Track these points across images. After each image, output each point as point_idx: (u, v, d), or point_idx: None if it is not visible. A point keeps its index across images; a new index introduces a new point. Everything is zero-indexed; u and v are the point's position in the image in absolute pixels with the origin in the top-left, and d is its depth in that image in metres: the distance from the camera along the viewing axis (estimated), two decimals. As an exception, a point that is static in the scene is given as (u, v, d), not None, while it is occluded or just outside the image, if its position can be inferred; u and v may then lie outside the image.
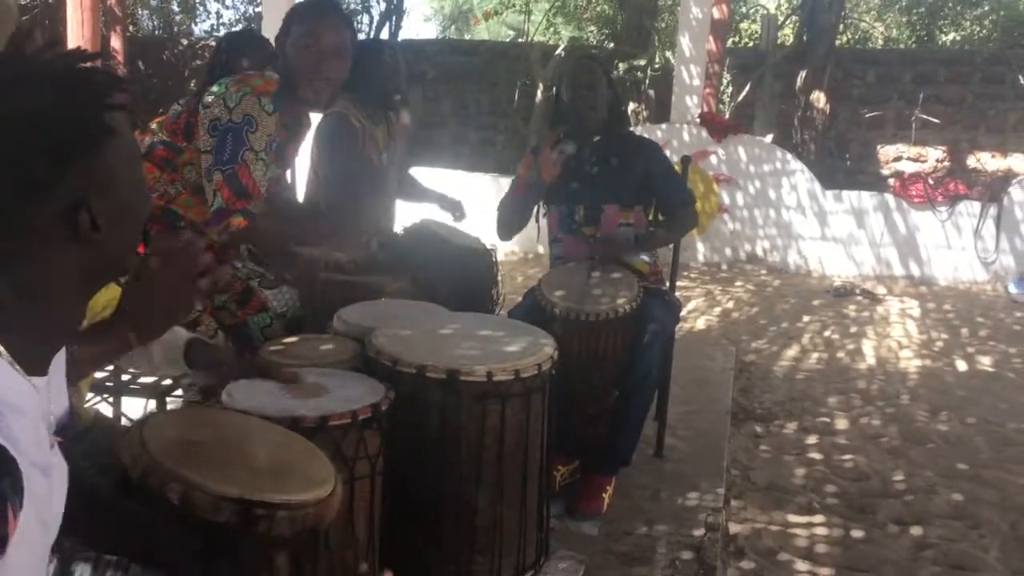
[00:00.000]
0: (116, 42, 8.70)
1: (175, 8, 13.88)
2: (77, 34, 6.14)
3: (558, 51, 10.67)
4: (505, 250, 3.49)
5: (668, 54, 10.27)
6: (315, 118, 3.49)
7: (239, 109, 2.30)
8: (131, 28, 10.32)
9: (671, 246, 3.43)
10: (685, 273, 7.09)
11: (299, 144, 2.76)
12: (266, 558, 1.49)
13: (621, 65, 10.23)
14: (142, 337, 1.49)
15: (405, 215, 3.70)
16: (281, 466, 1.56)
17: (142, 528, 1.35)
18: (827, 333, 5.66)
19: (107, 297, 1.92)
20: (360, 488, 1.89)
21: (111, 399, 2.38)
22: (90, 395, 2.29)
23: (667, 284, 3.33)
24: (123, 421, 2.34)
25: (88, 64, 1.02)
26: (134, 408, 2.41)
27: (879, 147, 10.79)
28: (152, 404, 2.35)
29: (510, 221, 3.28)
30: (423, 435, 2.10)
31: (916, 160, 10.56)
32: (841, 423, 4.03)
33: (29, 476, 0.92)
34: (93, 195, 0.99)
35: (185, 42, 11.80)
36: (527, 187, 3.21)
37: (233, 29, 13.44)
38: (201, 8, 14.29)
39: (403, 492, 2.05)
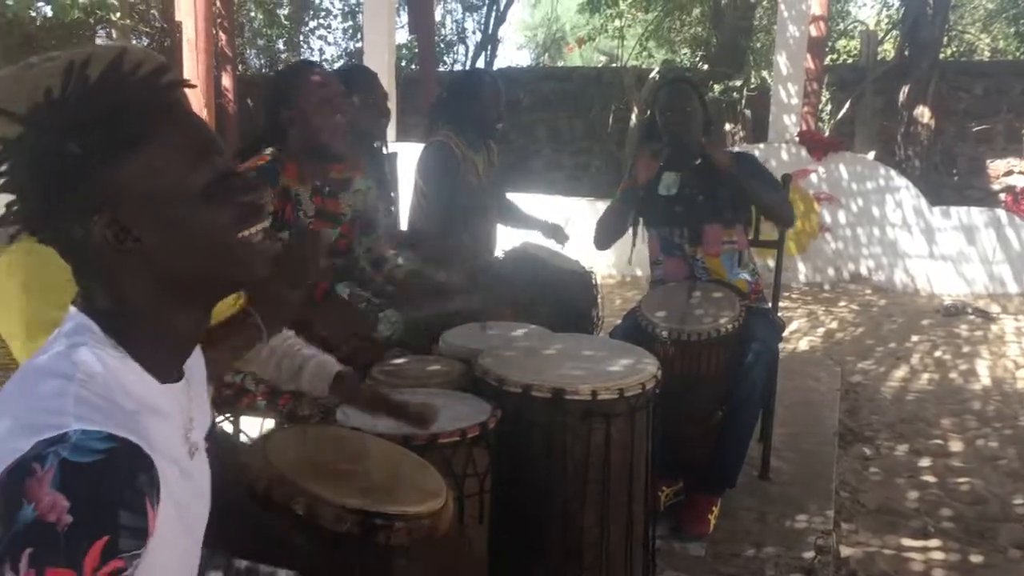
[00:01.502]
0: (227, 81, 9.11)
1: (280, 46, 14.43)
2: (192, 75, 6.46)
3: (652, 74, 10.67)
4: (603, 273, 3.52)
5: (764, 74, 10.16)
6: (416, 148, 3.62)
7: None
8: (240, 67, 10.77)
9: (772, 266, 3.40)
10: (786, 294, 6.96)
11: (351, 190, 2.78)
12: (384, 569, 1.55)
13: (716, 86, 10.17)
14: (271, 325, 1.59)
15: (505, 239, 3.77)
16: (396, 480, 1.63)
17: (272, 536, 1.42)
18: (938, 353, 5.48)
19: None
20: (469, 505, 1.94)
21: (231, 418, 2.49)
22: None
23: (769, 303, 3.30)
24: (242, 438, 2.44)
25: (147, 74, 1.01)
26: (252, 426, 2.52)
27: (989, 161, 10.40)
28: (269, 423, 2.44)
29: (607, 230, 3.26)
30: (529, 453, 2.14)
31: (1029, 174, 10.15)
32: (956, 445, 3.90)
33: (166, 474, 0.96)
34: (119, 206, 0.98)
35: (290, 79, 12.22)
36: (623, 194, 3.22)
37: (336, 65, 13.88)
38: (305, 45, 14.84)
39: (510, 509, 2.09)
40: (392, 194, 3.65)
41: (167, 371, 1.06)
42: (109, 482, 0.89)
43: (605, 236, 3.27)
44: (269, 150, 2.55)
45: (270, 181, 2.46)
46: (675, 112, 3.12)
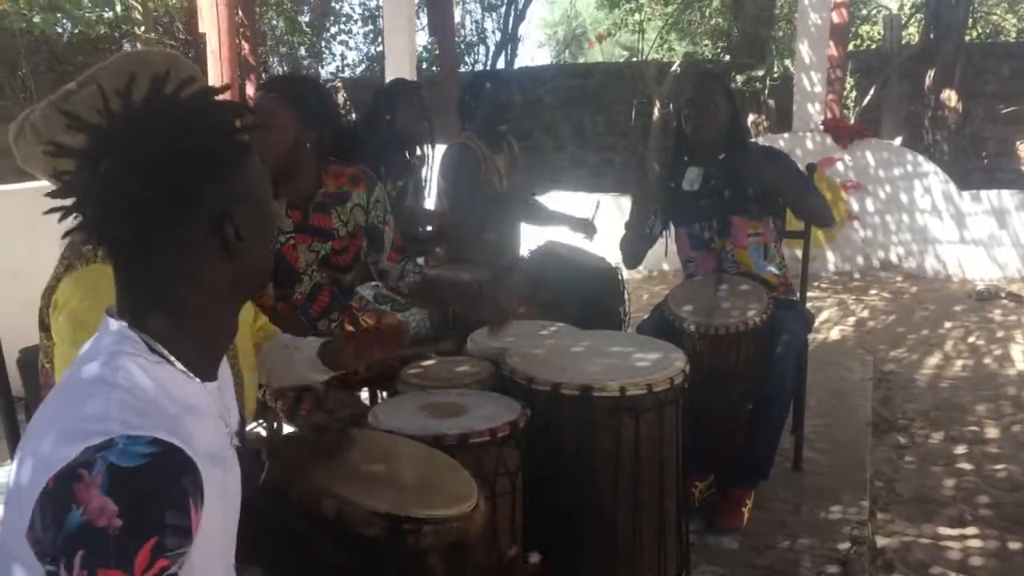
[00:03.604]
0: (251, 89, 9.18)
1: (303, 53, 14.53)
2: (217, 84, 6.53)
3: (673, 67, 10.62)
4: (629, 268, 3.50)
5: (787, 62, 10.08)
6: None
7: None
8: (264, 76, 10.85)
9: (800, 256, 3.37)
10: (816, 283, 6.92)
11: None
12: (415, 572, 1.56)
13: (739, 77, 10.10)
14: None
15: (531, 238, 3.78)
16: (426, 483, 1.64)
17: (294, 542, 1.44)
18: (971, 339, 5.42)
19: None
20: (502, 504, 1.95)
21: (267, 425, 2.52)
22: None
23: (797, 295, 3.28)
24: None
25: (219, 95, 1.14)
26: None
27: (1018, 143, 10.25)
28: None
29: (631, 251, 3.26)
30: (560, 451, 2.15)
31: (1061, 154, 10.00)
32: (991, 431, 3.86)
33: (209, 473, 1.00)
34: (236, 207, 1.08)
35: (312, 84, 12.31)
36: (635, 229, 3.23)
37: (359, 70, 13.94)
38: (327, 51, 14.94)
39: (542, 507, 2.10)
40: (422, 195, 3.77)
41: (209, 370, 1.13)
42: (155, 485, 0.92)
43: (632, 257, 3.28)
44: None
45: None
46: (699, 107, 3.09)
